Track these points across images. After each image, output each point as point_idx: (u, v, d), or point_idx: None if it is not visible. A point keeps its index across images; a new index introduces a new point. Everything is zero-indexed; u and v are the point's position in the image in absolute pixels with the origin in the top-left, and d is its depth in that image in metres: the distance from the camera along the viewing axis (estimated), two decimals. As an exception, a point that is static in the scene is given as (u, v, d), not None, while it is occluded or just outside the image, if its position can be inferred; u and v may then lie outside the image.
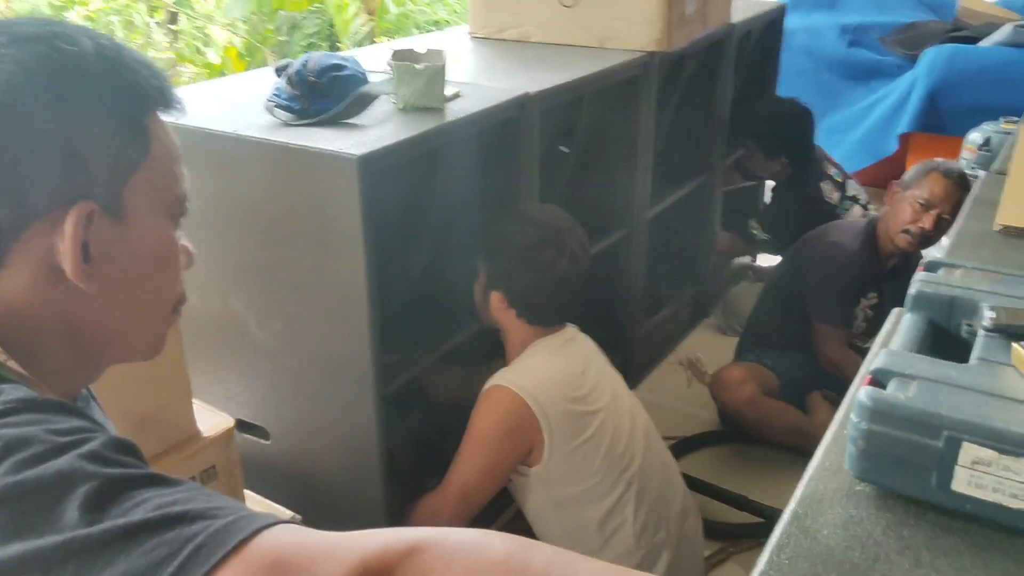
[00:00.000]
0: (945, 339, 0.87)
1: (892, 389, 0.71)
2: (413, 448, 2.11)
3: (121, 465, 0.54)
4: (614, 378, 1.92)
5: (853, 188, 3.15)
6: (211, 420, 1.62)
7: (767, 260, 3.70)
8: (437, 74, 1.71)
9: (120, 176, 0.68)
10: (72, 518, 0.50)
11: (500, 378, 1.78)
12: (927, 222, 2.42)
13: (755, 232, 3.25)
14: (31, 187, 0.64)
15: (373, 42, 5.31)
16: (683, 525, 1.91)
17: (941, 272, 0.92)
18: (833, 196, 3.11)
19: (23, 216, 0.64)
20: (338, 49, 5.25)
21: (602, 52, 2.43)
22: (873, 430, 0.69)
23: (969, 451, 0.65)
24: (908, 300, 0.88)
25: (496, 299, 1.85)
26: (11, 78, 0.63)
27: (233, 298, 1.86)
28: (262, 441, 1.96)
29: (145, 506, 0.50)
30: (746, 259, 3.64)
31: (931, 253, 3.27)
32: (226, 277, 1.84)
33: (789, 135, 3.14)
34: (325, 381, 1.80)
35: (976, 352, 0.77)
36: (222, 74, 4.10)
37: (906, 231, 2.46)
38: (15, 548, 0.49)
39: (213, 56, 4.46)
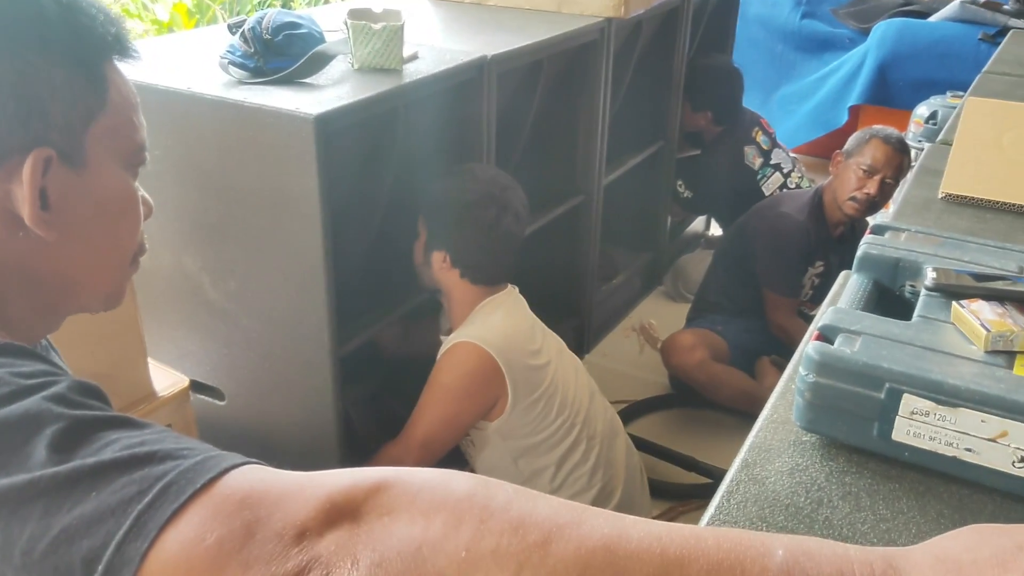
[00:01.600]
0: (889, 299, 0.90)
1: (839, 344, 0.74)
2: (370, 410, 2.12)
3: (87, 407, 0.54)
4: (553, 335, 1.96)
5: (778, 156, 3.26)
6: (166, 380, 1.61)
7: (719, 229, 3.76)
8: (395, 34, 1.70)
9: (78, 123, 0.67)
10: (40, 457, 0.50)
11: (463, 334, 1.80)
12: (872, 187, 2.49)
13: (680, 190, 3.34)
14: None
15: (327, 2, 5.22)
16: (629, 475, 1.96)
17: (887, 235, 0.96)
18: (755, 161, 3.21)
19: None
20: (291, 9, 5.15)
21: (560, 17, 2.43)
22: (819, 382, 0.72)
23: (909, 402, 0.68)
24: (855, 261, 0.92)
25: (438, 259, 1.85)
26: None
27: (187, 257, 1.84)
28: (217, 402, 1.96)
29: (113, 446, 0.51)
30: (698, 227, 3.70)
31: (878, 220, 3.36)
32: (180, 235, 1.82)
33: (714, 90, 3.21)
34: (280, 342, 1.80)
35: (918, 310, 0.80)
36: (171, 31, 4.00)
37: (852, 198, 2.52)
38: None
39: (161, 12, 4.33)
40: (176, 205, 1.79)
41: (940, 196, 1.32)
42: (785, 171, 3.22)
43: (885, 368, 0.69)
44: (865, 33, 4.22)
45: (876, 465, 0.72)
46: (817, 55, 4.47)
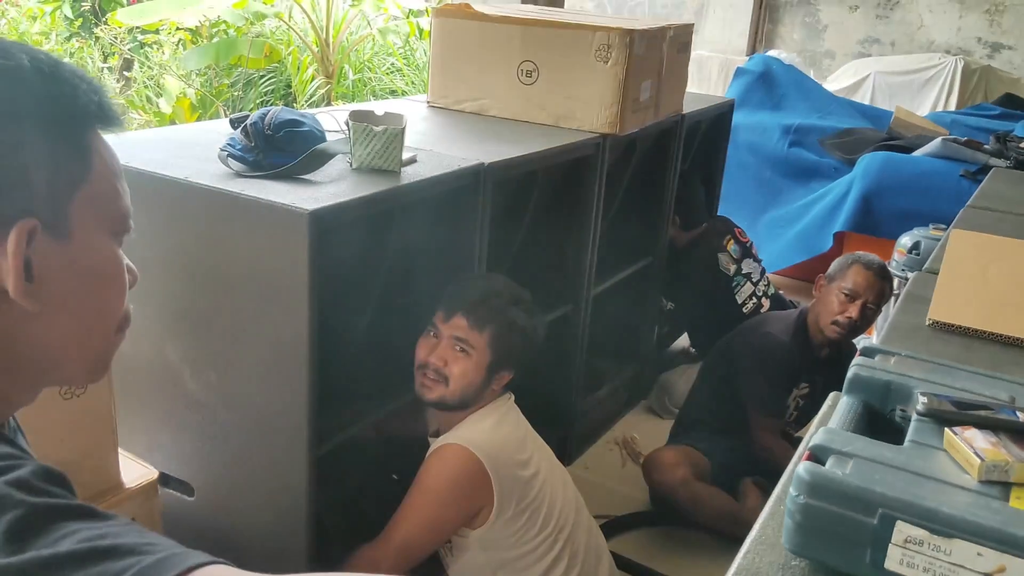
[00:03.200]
0: (879, 422, 0.89)
1: (830, 465, 0.72)
2: (344, 514, 2.05)
3: (49, 495, 0.52)
4: (545, 446, 1.93)
5: (748, 266, 3.33)
6: (134, 472, 1.56)
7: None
8: (395, 137, 1.74)
9: (63, 193, 0.67)
10: None
11: (455, 437, 1.77)
12: (853, 312, 2.51)
13: (664, 304, 3.38)
14: None
15: (329, 105, 5.35)
16: None
17: (877, 358, 0.95)
18: (730, 267, 3.28)
19: None
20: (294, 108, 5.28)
21: (556, 131, 2.49)
22: (810, 504, 0.70)
23: (902, 530, 0.66)
24: (846, 383, 0.91)
25: (502, 379, 1.86)
26: None
27: (169, 346, 1.82)
28: (186, 497, 1.90)
29: (72, 538, 0.48)
30: (684, 341, 3.71)
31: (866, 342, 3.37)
32: (163, 324, 1.81)
33: (676, 195, 3.25)
34: (256, 437, 1.76)
35: (910, 435, 0.79)
36: (172, 123, 4.08)
37: (835, 322, 2.54)
38: None
39: (165, 105, 4.44)
40: (162, 293, 1.78)
41: (927, 323, 1.33)
42: (755, 280, 3.30)
43: (878, 493, 0.68)
44: (850, 164, 4.34)
45: (868, 595, 0.69)
46: (804, 182, 4.58)
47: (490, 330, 1.80)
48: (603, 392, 3.03)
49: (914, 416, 0.82)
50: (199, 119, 4.05)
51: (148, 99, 4.64)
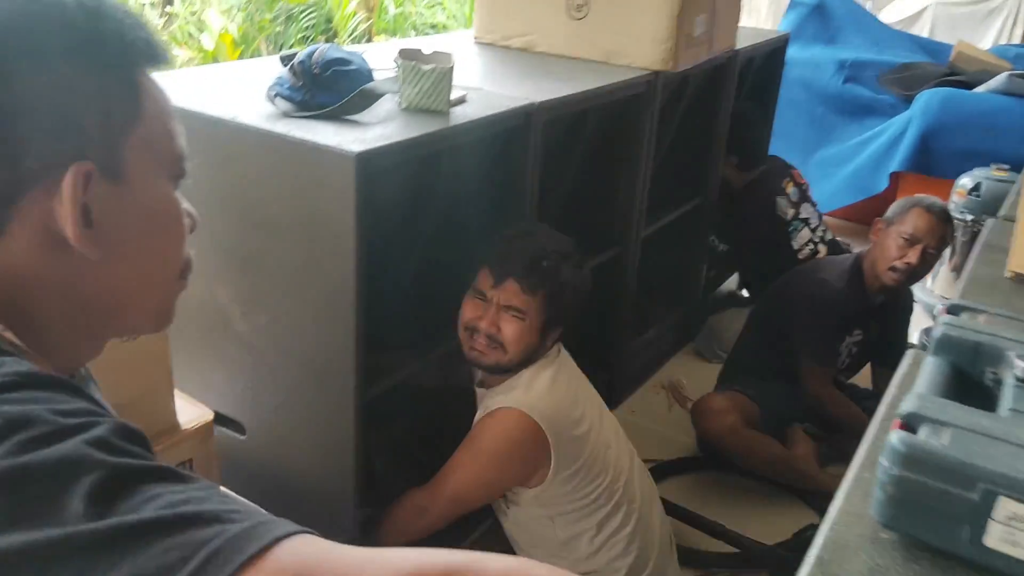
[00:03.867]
0: (966, 384, 0.84)
1: (924, 435, 0.68)
2: (393, 457, 2.06)
3: (130, 455, 0.50)
4: (596, 394, 1.90)
5: (806, 211, 3.20)
6: (190, 412, 1.57)
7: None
8: (444, 76, 1.68)
9: (115, 134, 0.64)
10: (76, 510, 0.45)
11: (513, 400, 1.73)
12: (913, 257, 2.42)
13: (714, 244, 3.27)
14: (21, 150, 0.60)
15: (370, 40, 5.26)
16: (661, 540, 1.89)
17: (964, 316, 0.90)
18: (788, 212, 3.15)
19: (17, 182, 0.61)
20: (338, 44, 5.21)
21: (607, 68, 2.41)
22: (905, 477, 0.66)
23: (1006, 506, 0.62)
24: (932, 343, 0.86)
25: (555, 336, 1.82)
26: None
27: (219, 287, 1.81)
28: (238, 436, 1.91)
29: (156, 502, 0.46)
30: (732, 284, 3.64)
31: (918, 291, 3.28)
32: (214, 265, 1.79)
33: (735, 134, 3.13)
34: (304, 381, 1.75)
35: (1007, 402, 0.74)
36: (215, 60, 4.04)
37: (893, 268, 2.46)
38: (14, 539, 0.44)
39: (207, 41, 4.39)
40: (212, 234, 1.76)
41: (1008, 275, 1.26)
42: (812, 226, 3.18)
43: (980, 467, 0.63)
44: (908, 101, 4.19)
45: (965, 572, 0.65)
46: (858, 120, 4.43)
47: (543, 292, 1.74)
48: (650, 335, 2.99)
49: (1012, 381, 0.77)
50: (241, 55, 4.00)
51: (190, 35, 4.59)
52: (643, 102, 2.39)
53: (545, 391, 1.74)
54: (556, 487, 1.73)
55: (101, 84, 0.63)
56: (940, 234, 2.46)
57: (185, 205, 0.72)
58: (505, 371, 1.78)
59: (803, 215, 3.18)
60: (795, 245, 3.13)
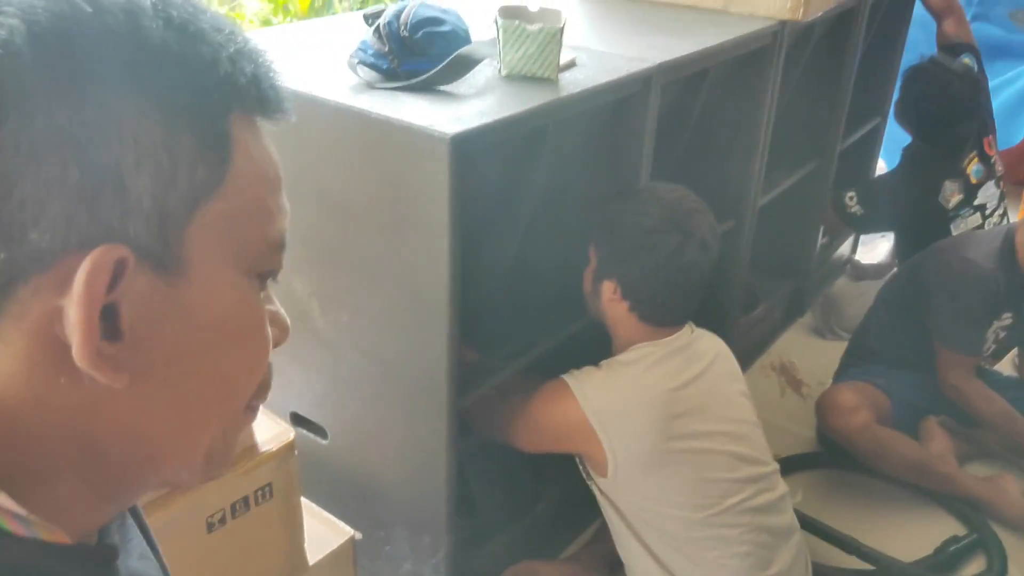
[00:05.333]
0: None
1: None
2: (490, 471, 1.87)
3: None
4: (732, 391, 1.66)
5: (985, 195, 2.70)
6: (269, 430, 1.39)
7: (867, 256, 3.38)
8: (552, 38, 1.43)
9: (179, 206, 0.42)
10: None
11: (576, 378, 1.57)
12: None
13: (849, 203, 2.79)
14: (29, 219, 0.39)
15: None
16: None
17: None
18: (951, 199, 2.66)
19: (17, 264, 0.40)
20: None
21: (726, 18, 2.12)
22: None
23: None
24: None
25: (608, 289, 1.61)
26: (7, 43, 0.38)
27: (297, 279, 1.63)
28: (319, 440, 1.74)
29: None
30: (845, 252, 3.32)
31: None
32: (291, 255, 1.55)
33: (910, 102, 2.66)
34: (390, 385, 1.56)
35: None
36: (286, 9, 3.82)
37: None
38: None
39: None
40: (289, 221, 1.57)
41: None
42: (987, 212, 2.70)
43: None
44: (1050, 42, 3.74)
45: None
46: (988, 63, 3.94)
47: (596, 232, 1.64)
48: (759, 311, 2.72)
49: None
50: (311, 4, 3.78)
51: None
52: (766, 57, 2.10)
53: (619, 385, 1.56)
54: (626, 487, 1.55)
55: (169, 132, 0.42)
56: None
57: (273, 308, 0.51)
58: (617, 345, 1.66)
59: (979, 200, 2.68)
60: (954, 232, 2.66)
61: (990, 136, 2.77)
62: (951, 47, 2.83)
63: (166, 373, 0.44)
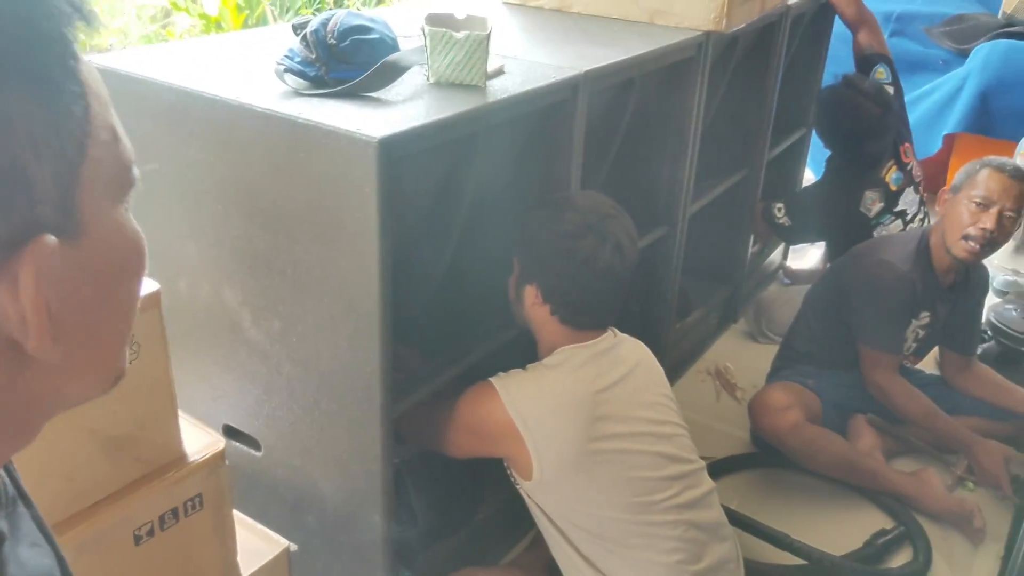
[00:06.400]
0: None
1: None
2: (429, 479, 1.86)
3: None
4: (655, 393, 1.68)
5: (906, 201, 2.82)
6: (198, 440, 1.37)
7: (798, 261, 3.47)
8: (479, 45, 1.45)
9: (70, 173, 0.42)
10: None
11: (502, 380, 1.58)
12: (988, 221, 2.17)
13: (777, 215, 2.91)
14: None
15: (381, 2, 5.00)
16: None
17: None
18: (873, 207, 2.77)
19: None
20: (344, 6, 4.95)
21: (652, 29, 2.17)
22: None
23: None
24: None
25: (530, 294, 1.63)
26: None
27: (227, 288, 1.61)
28: (253, 452, 1.72)
29: None
30: (776, 259, 3.41)
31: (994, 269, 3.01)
32: (220, 263, 1.59)
33: (824, 122, 2.84)
34: (324, 395, 1.55)
35: None
36: (219, 27, 3.80)
37: (966, 236, 2.21)
38: None
39: (210, 7, 4.14)
40: (217, 229, 1.56)
41: None
42: (908, 218, 2.81)
43: None
44: (963, 55, 3.90)
45: None
46: (907, 77, 4.10)
47: (517, 240, 1.66)
48: (693, 318, 2.77)
49: None
50: (245, 21, 3.77)
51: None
52: (692, 67, 2.15)
53: (545, 387, 1.58)
54: (553, 490, 1.56)
55: (45, 107, 0.41)
56: (1016, 193, 2.19)
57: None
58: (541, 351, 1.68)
59: (899, 207, 2.80)
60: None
61: (907, 144, 2.88)
62: (865, 59, 2.96)
63: (84, 322, 0.45)
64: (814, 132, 3.15)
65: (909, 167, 2.86)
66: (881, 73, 2.89)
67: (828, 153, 2.94)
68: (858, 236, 2.70)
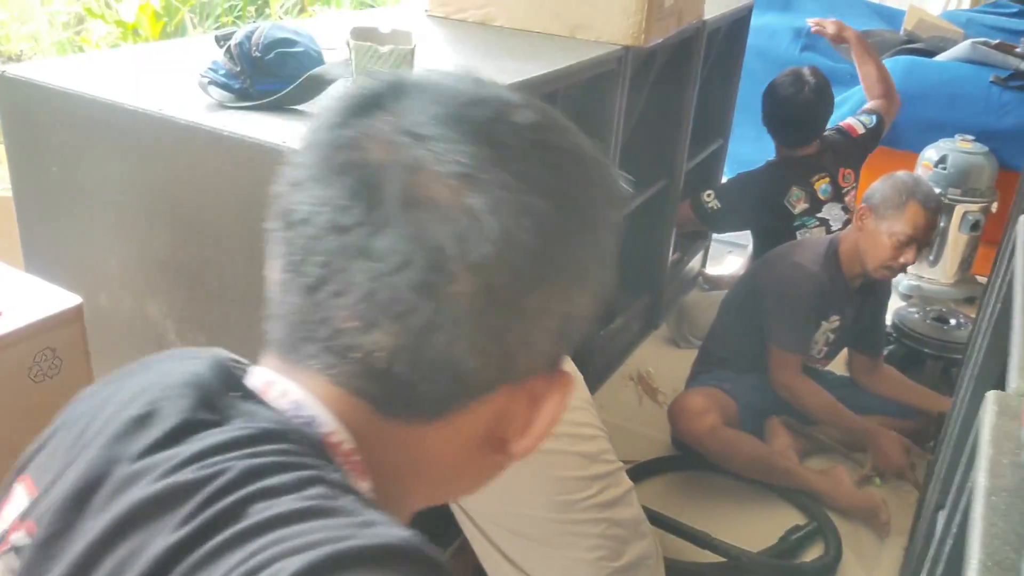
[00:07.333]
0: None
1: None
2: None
3: None
4: (575, 397, 1.73)
5: (831, 213, 2.94)
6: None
7: (717, 268, 3.58)
8: (404, 59, 1.48)
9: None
10: None
11: None
12: (910, 256, 2.31)
13: (707, 199, 3.02)
14: (522, 352, 0.52)
15: (303, 12, 4.98)
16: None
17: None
18: (796, 206, 2.91)
19: (501, 379, 0.53)
20: (266, 16, 4.91)
21: (573, 43, 2.22)
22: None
23: None
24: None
25: None
26: (542, 222, 0.50)
27: (150, 301, 1.60)
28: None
29: None
30: (696, 266, 3.51)
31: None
32: (143, 276, 1.58)
33: (768, 92, 3.01)
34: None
35: None
36: (136, 34, 3.73)
37: (888, 267, 2.35)
38: None
39: (126, 13, 4.06)
40: (141, 241, 1.55)
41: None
42: (831, 229, 2.90)
43: None
44: (868, 69, 4.07)
45: None
46: (817, 90, 4.31)
47: None
48: (616, 324, 2.84)
49: None
50: (164, 29, 3.71)
51: (107, 4, 4.24)
52: (612, 81, 2.22)
53: None
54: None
55: (605, 263, 0.56)
56: (934, 225, 2.35)
57: None
58: None
59: (823, 214, 2.92)
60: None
61: (849, 170, 3.02)
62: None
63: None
64: (731, 142, 3.28)
65: (844, 191, 2.98)
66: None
67: (748, 165, 3.06)
68: (780, 230, 2.85)
